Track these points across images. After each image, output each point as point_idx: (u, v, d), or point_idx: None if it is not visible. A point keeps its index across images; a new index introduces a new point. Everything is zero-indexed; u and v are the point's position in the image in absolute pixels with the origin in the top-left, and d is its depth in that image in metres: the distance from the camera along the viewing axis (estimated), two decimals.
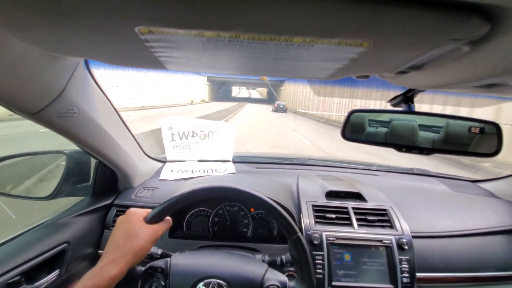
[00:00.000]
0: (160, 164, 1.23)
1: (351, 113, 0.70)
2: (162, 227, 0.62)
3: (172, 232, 0.94)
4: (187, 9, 0.22)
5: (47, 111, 0.57)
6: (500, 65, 0.32)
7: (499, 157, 0.60)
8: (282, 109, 23.67)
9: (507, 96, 0.48)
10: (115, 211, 0.93)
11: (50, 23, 0.26)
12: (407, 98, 0.71)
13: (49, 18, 0.25)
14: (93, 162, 0.96)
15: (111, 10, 0.23)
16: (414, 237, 0.82)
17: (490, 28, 0.26)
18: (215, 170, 1.19)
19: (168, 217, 0.65)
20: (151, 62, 0.40)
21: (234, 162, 1.31)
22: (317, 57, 0.34)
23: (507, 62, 0.31)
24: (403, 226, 0.85)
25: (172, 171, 1.17)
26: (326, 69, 0.40)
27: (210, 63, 0.41)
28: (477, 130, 0.61)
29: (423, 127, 0.71)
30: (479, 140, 0.62)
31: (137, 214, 0.60)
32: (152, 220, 0.60)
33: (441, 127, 0.69)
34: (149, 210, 0.63)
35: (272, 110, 23.61)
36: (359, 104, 13.09)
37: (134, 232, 0.56)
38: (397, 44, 0.28)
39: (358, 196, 0.97)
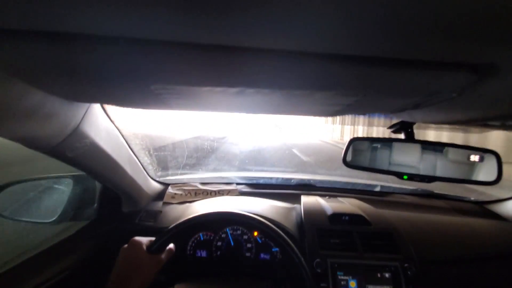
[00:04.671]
0: (164, 186, 1.24)
1: (352, 140, 0.72)
2: (165, 256, 0.62)
3: (174, 258, 0.93)
4: (199, 72, 0.24)
5: (61, 147, 0.58)
6: (490, 108, 0.33)
7: None
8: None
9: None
10: (118, 236, 0.93)
11: (71, 79, 0.28)
12: (407, 124, 0.73)
13: (71, 75, 0.27)
14: (97, 185, 0.98)
15: (130, 73, 0.25)
16: (420, 262, 0.81)
17: (477, 79, 0.27)
18: (218, 193, 1.20)
19: (171, 246, 0.65)
20: (160, 105, 0.42)
21: (236, 184, 1.31)
22: (316, 102, 0.36)
23: (496, 106, 0.32)
24: (409, 251, 0.83)
25: (175, 193, 1.17)
26: (325, 110, 0.42)
27: (216, 107, 0.43)
28: (476, 159, 0.62)
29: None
30: (479, 168, 0.62)
31: (140, 244, 0.61)
32: (155, 250, 0.61)
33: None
34: (152, 239, 0.63)
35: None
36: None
37: (138, 264, 0.57)
38: (388, 95, 0.30)
39: (362, 219, 0.96)
